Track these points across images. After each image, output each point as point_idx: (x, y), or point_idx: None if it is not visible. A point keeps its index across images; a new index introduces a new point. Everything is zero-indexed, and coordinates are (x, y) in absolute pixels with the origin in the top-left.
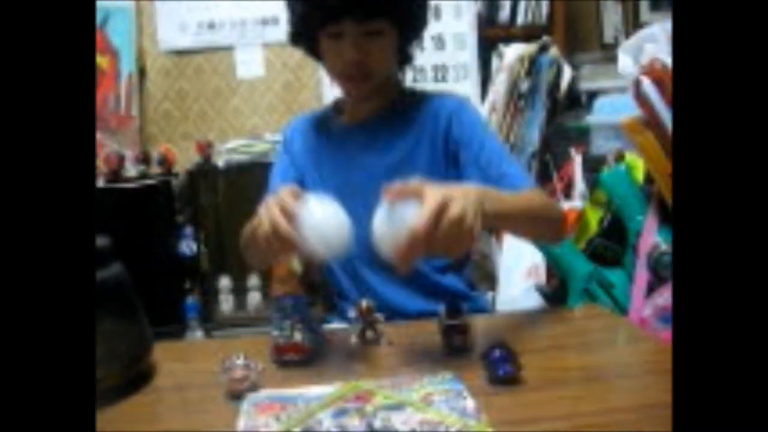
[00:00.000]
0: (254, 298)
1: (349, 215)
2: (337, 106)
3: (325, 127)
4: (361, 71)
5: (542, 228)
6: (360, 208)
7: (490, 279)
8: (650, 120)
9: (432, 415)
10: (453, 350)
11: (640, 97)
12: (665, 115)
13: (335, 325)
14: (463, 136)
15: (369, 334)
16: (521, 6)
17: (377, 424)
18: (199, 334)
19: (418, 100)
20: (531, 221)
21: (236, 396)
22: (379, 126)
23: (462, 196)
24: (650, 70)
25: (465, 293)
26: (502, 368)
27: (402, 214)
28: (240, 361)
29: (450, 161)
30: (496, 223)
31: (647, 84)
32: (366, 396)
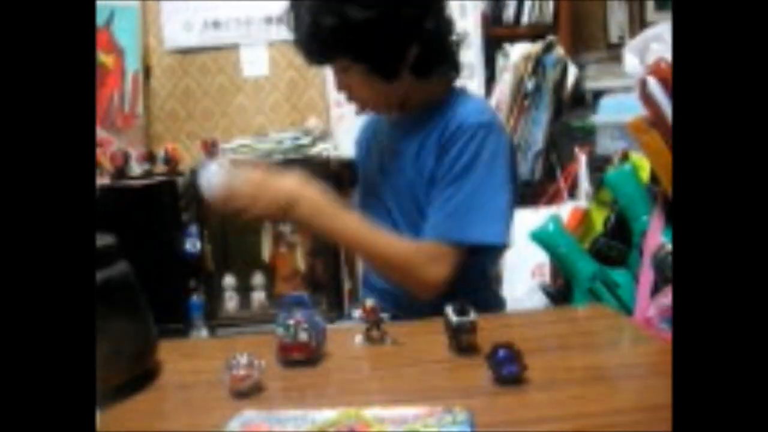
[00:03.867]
0: (258, 296)
1: (373, 216)
2: None
3: (376, 125)
4: (351, 101)
5: (382, 270)
6: (382, 211)
7: (495, 278)
8: (656, 120)
9: None
10: (461, 350)
11: (646, 97)
12: (671, 114)
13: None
14: (444, 158)
15: (374, 333)
16: (526, 5)
17: None
18: (203, 332)
19: (442, 108)
20: (365, 255)
21: (240, 395)
22: (398, 131)
23: (285, 195)
24: (656, 70)
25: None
26: (507, 368)
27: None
28: (243, 360)
29: None
30: (327, 237)
31: (653, 84)
32: (361, 427)
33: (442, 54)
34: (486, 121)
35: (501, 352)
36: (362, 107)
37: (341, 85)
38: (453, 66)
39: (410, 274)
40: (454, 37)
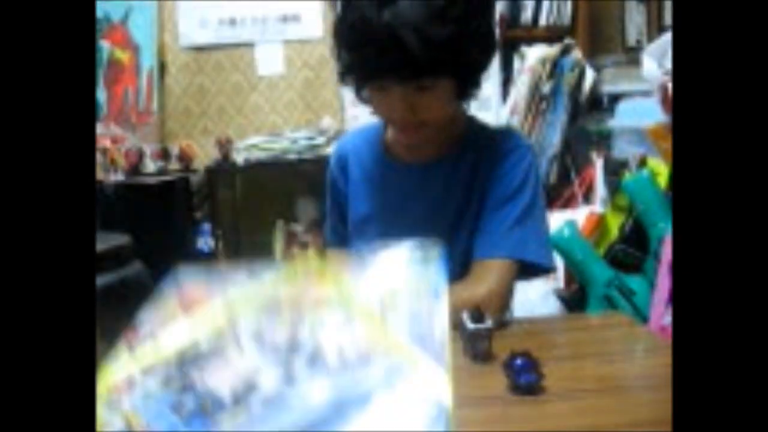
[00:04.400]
0: None
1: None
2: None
3: (378, 156)
4: (413, 123)
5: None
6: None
7: None
8: None
9: (375, 333)
10: (476, 357)
11: (668, 103)
12: None
13: None
14: (497, 180)
15: None
16: (544, 7)
17: (302, 336)
18: None
19: (479, 140)
20: None
21: None
22: (438, 170)
23: None
24: None
25: None
26: (524, 377)
27: None
28: None
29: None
30: None
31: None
32: (311, 278)
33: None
34: (527, 144)
35: (518, 361)
36: (427, 127)
37: (410, 107)
38: None
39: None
40: None
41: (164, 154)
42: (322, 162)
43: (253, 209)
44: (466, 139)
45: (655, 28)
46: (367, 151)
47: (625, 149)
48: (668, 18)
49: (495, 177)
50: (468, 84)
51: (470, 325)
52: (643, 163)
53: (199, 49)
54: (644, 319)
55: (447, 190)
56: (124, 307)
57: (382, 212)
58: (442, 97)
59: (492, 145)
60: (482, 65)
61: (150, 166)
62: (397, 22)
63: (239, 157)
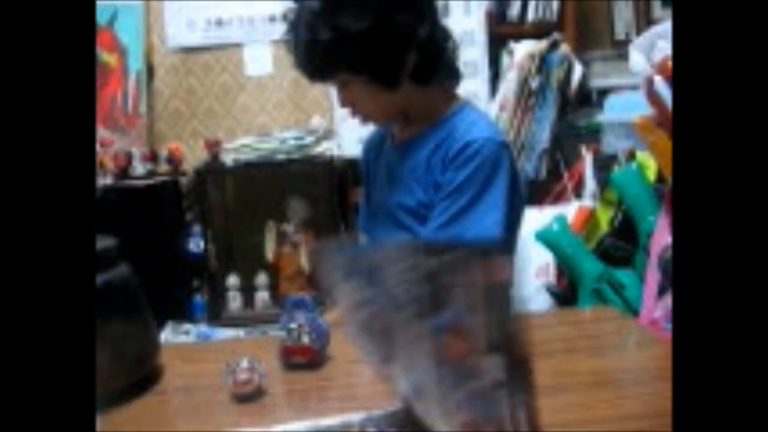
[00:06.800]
0: (262, 296)
1: (378, 234)
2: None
3: (383, 142)
4: (356, 115)
5: None
6: (388, 228)
7: None
8: (663, 119)
9: None
10: None
11: (653, 96)
12: None
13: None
14: (447, 174)
15: None
16: (532, 2)
17: None
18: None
19: (447, 125)
20: None
21: (241, 399)
22: (406, 149)
23: None
24: (663, 69)
25: None
26: None
27: None
28: (245, 364)
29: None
30: None
31: (660, 82)
32: None
33: (440, 60)
34: (489, 138)
35: None
36: (367, 119)
37: (345, 100)
38: (453, 73)
39: None
40: (450, 45)
41: (153, 157)
42: (311, 162)
43: (244, 210)
44: (441, 122)
45: (643, 22)
46: (378, 137)
47: (614, 143)
48: (656, 11)
49: (447, 174)
50: (384, 77)
51: None
52: (631, 156)
53: (187, 50)
54: (634, 312)
55: (411, 170)
56: (110, 310)
57: (376, 183)
58: (360, 91)
59: (455, 134)
60: (393, 60)
61: (139, 168)
62: (297, 23)
63: (228, 158)
